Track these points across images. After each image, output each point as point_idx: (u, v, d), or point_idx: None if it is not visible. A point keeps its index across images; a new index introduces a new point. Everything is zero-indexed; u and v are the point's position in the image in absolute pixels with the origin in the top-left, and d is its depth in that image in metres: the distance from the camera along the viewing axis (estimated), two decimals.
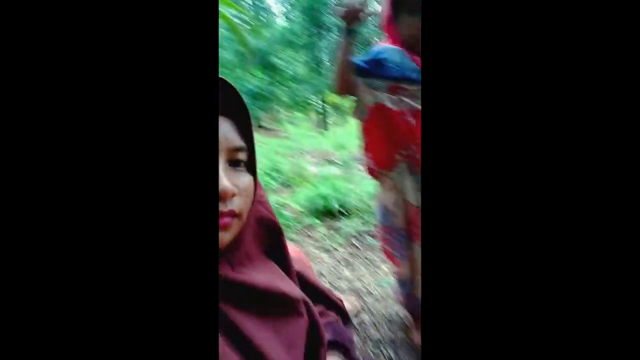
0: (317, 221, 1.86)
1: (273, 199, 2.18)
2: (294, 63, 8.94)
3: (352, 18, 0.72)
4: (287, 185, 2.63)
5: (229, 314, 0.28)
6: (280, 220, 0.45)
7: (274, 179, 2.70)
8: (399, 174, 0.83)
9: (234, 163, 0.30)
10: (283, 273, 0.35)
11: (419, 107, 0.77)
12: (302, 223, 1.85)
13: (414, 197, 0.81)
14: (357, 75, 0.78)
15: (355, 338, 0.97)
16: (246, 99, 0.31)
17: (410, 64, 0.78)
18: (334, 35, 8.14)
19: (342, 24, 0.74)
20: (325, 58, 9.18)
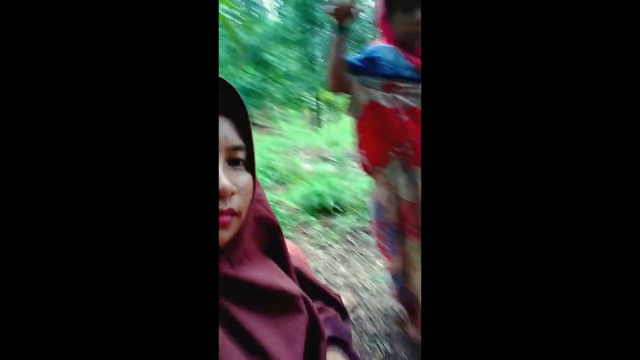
0: (312, 218, 1.87)
1: (268, 196, 2.17)
2: (286, 59, 8.87)
3: (343, 15, 0.72)
4: (281, 182, 2.63)
5: (230, 310, 0.29)
6: None
7: (268, 176, 2.69)
8: (392, 171, 0.84)
9: (233, 162, 0.30)
10: (282, 271, 0.36)
11: (413, 104, 0.78)
12: (297, 220, 1.86)
13: (406, 193, 0.82)
14: (351, 74, 0.79)
15: (352, 333, 0.98)
16: None
17: (404, 62, 0.78)
18: (327, 32, 8.08)
19: (334, 21, 0.74)
20: (318, 54, 9.12)
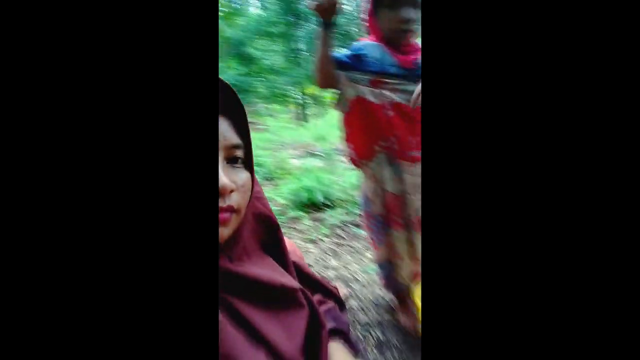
0: (302, 213, 1.88)
1: None
2: (270, 53, 8.71)
3: (326, 11, 0.72)
4: (269, 178, 2.62)
5: (233, 303, 0.30)
6: None
7: (256, 172, 2.66)
8: (378, 164, 0.86)
9: (232, 160, 0.31)
10: (280, 266, 0.37)
11: (399, 100, 0.80)
12: (287, 216, 1.87)
13: (391, 185, 0.85)
14: (339, 69, 0.80)
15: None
16: None
17: (389, 59, 0.80)
18: (311, 25, 7.99)
19: (318, 17, 0.74)
20: (303, 48, 9.01)
